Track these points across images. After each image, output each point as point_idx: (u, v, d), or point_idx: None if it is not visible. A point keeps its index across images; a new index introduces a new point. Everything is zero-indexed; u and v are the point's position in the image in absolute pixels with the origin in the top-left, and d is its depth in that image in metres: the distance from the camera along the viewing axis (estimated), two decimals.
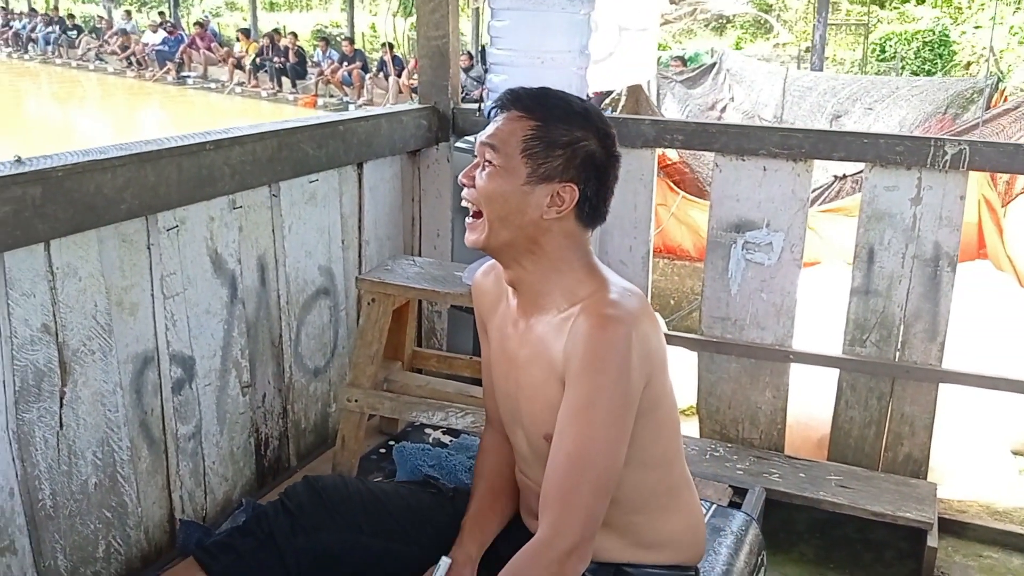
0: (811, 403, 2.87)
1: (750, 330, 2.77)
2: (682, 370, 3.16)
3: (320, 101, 17.06)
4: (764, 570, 2.16)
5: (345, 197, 2.56)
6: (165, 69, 20.21)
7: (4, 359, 1.61)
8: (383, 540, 1.64)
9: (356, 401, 2.17)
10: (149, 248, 1.90)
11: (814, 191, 5.03)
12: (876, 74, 11.38)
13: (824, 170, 5.38)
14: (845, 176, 4.88)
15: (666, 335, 2.97)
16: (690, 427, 3.11)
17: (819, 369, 2.76)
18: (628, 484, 1.46)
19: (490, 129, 1.46)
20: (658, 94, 7.30)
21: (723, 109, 7.28)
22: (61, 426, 1.73)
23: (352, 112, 2.70)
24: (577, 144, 1.42)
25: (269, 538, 1.62)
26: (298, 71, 18.21)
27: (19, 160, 1.60)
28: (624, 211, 2.83)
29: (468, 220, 1.49)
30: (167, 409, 2.01)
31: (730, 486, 2.33)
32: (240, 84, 18.85)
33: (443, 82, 2.88)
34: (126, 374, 1.89)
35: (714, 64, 9.11)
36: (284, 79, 18.21)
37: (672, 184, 4.38)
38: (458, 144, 2.58)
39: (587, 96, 2.55)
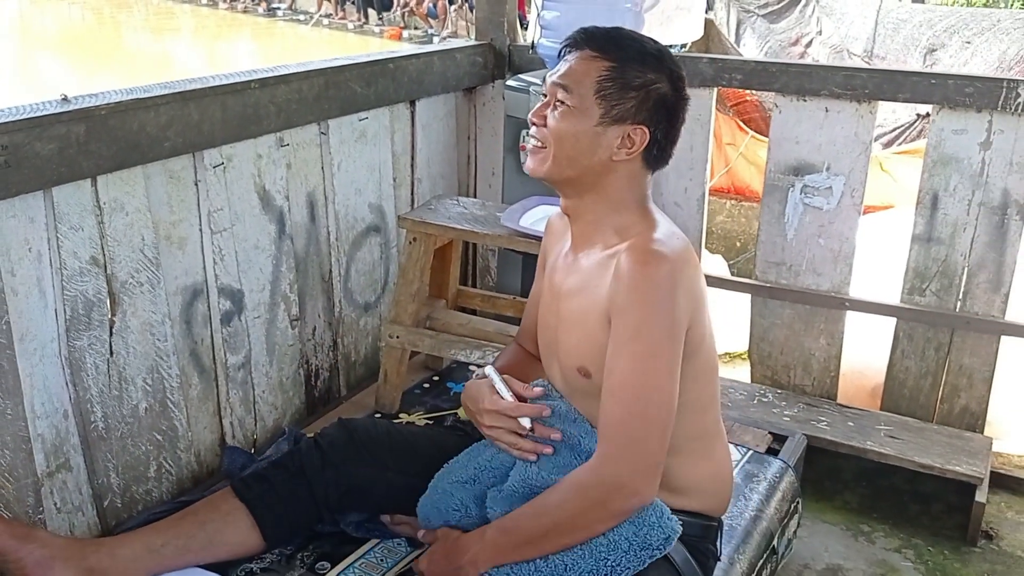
0: (867, 351, 2.80)
1: (806, 276, 2.71)
2: (738, 314, 3.12)
3: (405, 33, 17.01)
4: (798, 517, 2.16)
5: (397, 135, 2.58)
6: (255, 0, 20.41)
7: (55, 289, 1.70)
8: (408, 477, 1.69)
9: (397, 338, 2.22)
10: (196, 184, 1.97)
11: (894, 129, 4.83)
12: (983, 6, 10.73)
13: (914, 108, 5.13)
14: (929, 115, 4.63)
15: (719, 279, 2.94)
16: (742, 372, 3.09)
17: (877, 317, 2.69)
18: None
19: (562, 68, 1.46)
20: (737, 29, 7.03)
21: (808, 44, 6.97)
22: (111, 353, 1.82)
23: (403, 49, 2.72)
24: (651, 86, 1.43)
25: (300, 471, 1.70)
26: (384, 3, 18.16)
27: (65, 99, 1.67)
28: (680, 152, 2.68)
29: (531, 145, 1.49)
30: (216, 340, 2.09)
31: (770, 433, 2.31)
32: (327, 16, 18.92)
33: (499, 18, 2.86)
34: (175, 305, 1.97)
35: None
36: (371, 10, 18.20)
37: (741, 123, 4.26)
38: (509, 83, 2.56)
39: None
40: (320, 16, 18.96)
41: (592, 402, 1.50)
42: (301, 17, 19.43)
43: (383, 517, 1.79)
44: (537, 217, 2.18)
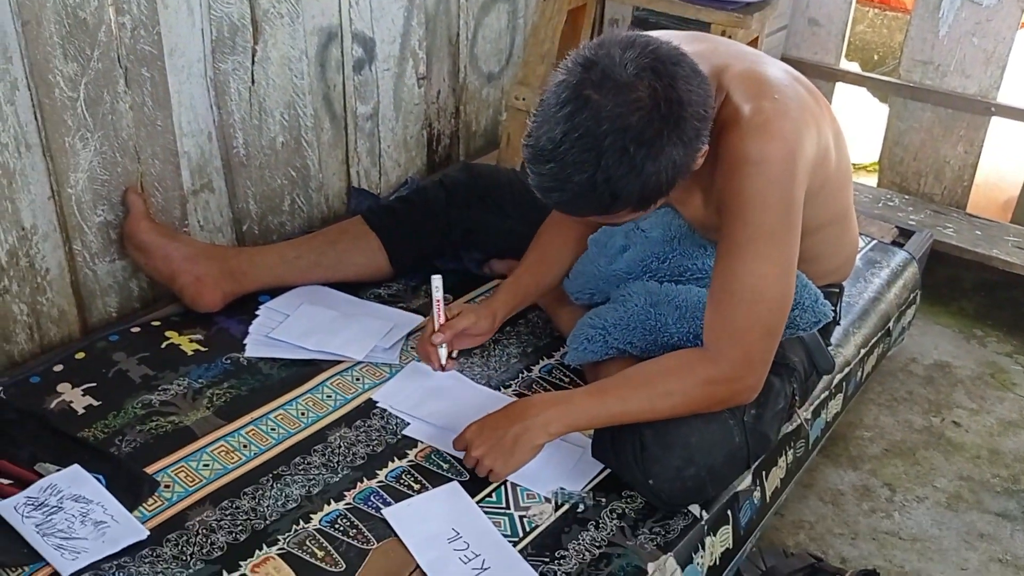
0: (1005, 163, 2.67)
1: (953, 77, 2.56)
2: (865, 124, 3.00)
3: None
4: (914, 309, 2.14)
5: None
6: None
7: (202, 8, 1.73)
8: (528, 226, 1.63)
9: (524, 100, 2.21)
10: None
11: None
12: None
13: None
14: None
15: (859, 76, 2.82)
16: (870, 180, 2.99)
17: (1021, 127, 2.55)
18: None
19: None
20: None
21: None
22: (253, 82, 1.87)
23: None
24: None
25: (425, 205, 1.75)
26: None
27: None
28: None
29: None
30: (348, 87, 2.12)
31: (896, 226, 2.26)
32: None
33: None
34: (311, 45, 1.99)
35: None
36: None
37: None
38: None
39: None
40: None
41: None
42: None
43: (497, 264, 1.82)
44: None
